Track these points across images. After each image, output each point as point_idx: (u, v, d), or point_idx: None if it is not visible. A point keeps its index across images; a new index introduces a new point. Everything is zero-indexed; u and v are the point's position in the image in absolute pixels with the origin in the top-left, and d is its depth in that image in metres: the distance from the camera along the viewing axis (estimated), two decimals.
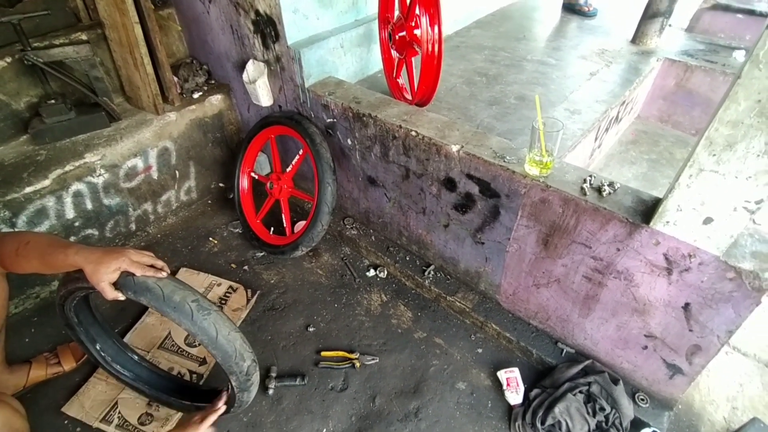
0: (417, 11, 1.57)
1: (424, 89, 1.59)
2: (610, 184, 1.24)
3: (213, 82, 2.30)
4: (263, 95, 1.96)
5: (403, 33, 1.63)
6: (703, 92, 2.20)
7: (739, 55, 2.19)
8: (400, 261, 1.91)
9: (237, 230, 2.21)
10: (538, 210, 1.33)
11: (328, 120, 1.81)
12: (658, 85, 2.26)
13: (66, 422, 1.48)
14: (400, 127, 1.54)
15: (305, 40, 1.77)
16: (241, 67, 1.99)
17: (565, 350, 1.56)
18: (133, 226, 2.13)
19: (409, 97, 1.82)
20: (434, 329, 1.75)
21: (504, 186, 1.37)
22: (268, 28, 1.75)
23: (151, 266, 1.10)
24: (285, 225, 2.00)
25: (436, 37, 1.47)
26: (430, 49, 1.48)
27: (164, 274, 1.11)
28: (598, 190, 1.24)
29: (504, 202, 1.41)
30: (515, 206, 1.38)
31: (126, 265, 1.05)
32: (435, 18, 1.45)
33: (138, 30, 1.83)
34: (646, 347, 1.34)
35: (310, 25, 1.78)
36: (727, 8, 2.32)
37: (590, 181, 1.26)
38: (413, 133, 1.52)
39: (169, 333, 1.72)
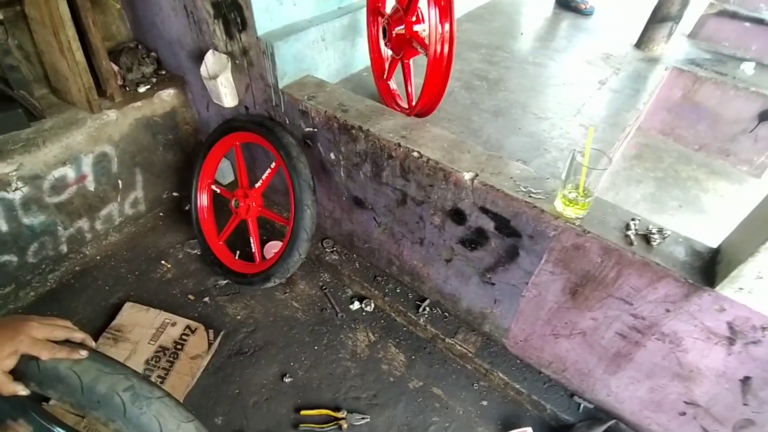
0: (420, 3, 1.29)
1: (427, 98, 1.32)
2: (659, 231, 1.03)
3: (164, 73, 1.93)
4: (226, 94, 1.62)
5: (402, 29, 1.35)
6: (711, 106, 2.05)
7: (748, 68, 2.05)
8: (389, 293, 1.65)
9: (195, 251, 1.88)
10: (569, 256, 1.11)
11: (307, 129, 1.51)
12: (663, 96, 2.09)
13: None
14: (399, 145, 1.27)
15: (279, 30, 1.45)
16: (199, 57, 1.64)
17: (582, 405, 1.36)
18: (64, 248, 1.75)
19: (403, 104, 1.53)
20: (431, 376, 1.51)
21: (528, 225, 1.14)
22: (233, 13, 1.41)
23: (66, 341, 0.79)
24: (254, 249, 1.69)
25: (447, 35, 1.20)
26: (438, 50, 1.21)
27: (84, 352, 0.79)
28: (646, 238, 1.02)
29: (525, 243, 1.18)
30: (540, 249, 1.15)
31: (26, 346, 0.74)
32: (447, 12, 1.17)
33: (63, 6, 1.44)
34: (684, 413, 1.16)
35: (286, 13, 1.46)
36: (734, 15, 2.18)
37: (635, 226, 1.04)
38: (415, 154, 1.25)
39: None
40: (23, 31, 1.62)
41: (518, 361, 1.47)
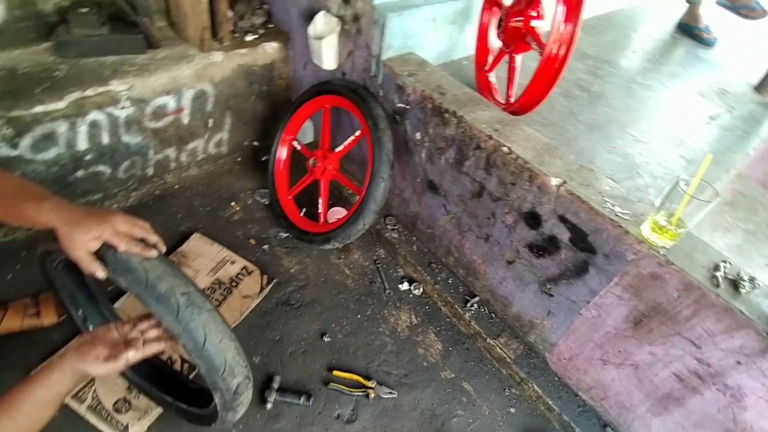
0: None
1: (528, 97, 1.30)
2: (751, 280, 0.97)
3: (271, 26, 2.00)
4: (328, 56, 1.67)
5: (519, 21, 1.32)
6: None
7: None
8: (441, 282, 1.66)
9: (263, 201, 1.96)
10: (643, 284, 1.06)
11: (399, 105, 1.52)
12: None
13: None
14: (490, 137, 1.26)
15: (395, 2, 1.47)
16: (309, 16, 1.69)
17: None
18: (150, 171, 1.89)
19: (500, 99, 1.52)
20: (464, 371, 1.51)
21: (606, 244, 1.10)
22: None
23: (142, 240, 0.87)
24: (320, 210, 1.75)
25: (569, 36, 1.16)
26: (554, 50, 1.18)
27: (155, 252, 0.87)
28: (734, 283, 0.97)
29: (598, 261, 1.14)
30: (612, 270, 1.12)
31: (109, 234, 0.82)
32: (575, 12, 1.14)
33: None
34: None
35: None
36: None
37: (725, 269, 0.99)
38: (504, 149, 1.23)
39: None
40: None
41: (556, 379, 1.44)
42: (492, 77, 1.58)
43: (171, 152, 1.90)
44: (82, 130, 1.59)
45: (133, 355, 0.91)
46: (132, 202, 1.88)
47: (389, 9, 1.42)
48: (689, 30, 2.44)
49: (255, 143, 2.19)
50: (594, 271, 1.16)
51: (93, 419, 1.25)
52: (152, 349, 0.94)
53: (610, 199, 1.12)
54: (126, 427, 1.25)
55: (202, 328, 0.88)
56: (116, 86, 1.59)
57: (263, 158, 2.15)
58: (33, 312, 1.40)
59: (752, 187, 2.09)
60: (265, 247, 1.78)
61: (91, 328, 1.28)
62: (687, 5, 2.48)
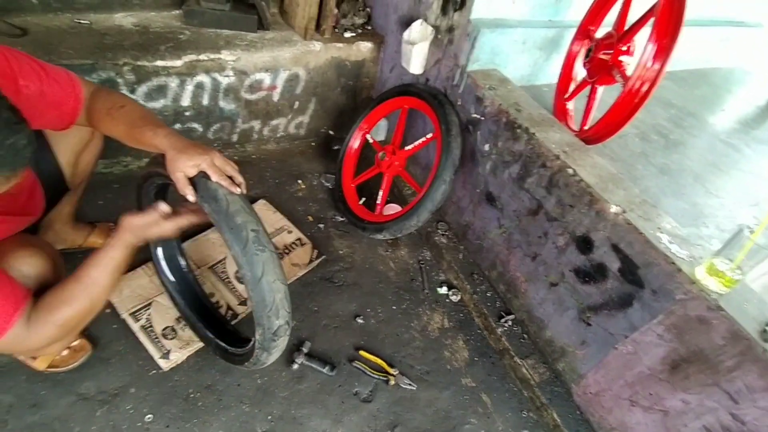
0: (637, 35, 1.29)
1: (604, 126, 1.32)
2: None
3: (369, 28, 2.15)
4: (416, 61, 1.78)
5: (608, 54, 1.36)
6: None
7: None
8: (479, 293, 1.68)
9: (327, 184, 2.09)
10: (687, 326, 1.05)
11: (474, 115, 1.59)
12: None
13: None
14: (557, 157, 1.29)
15: (489, 20, 1.55)
16: (407, 23, 1.81)
17: None
18: (235, 137, 2.07)
19: (574, 126, 1.54)
20: (486, 383, 1.52)
21: (656, 279, 1.10)
22: None
23: (230, 178, 1.00)
24: (379, 202, 1.84)
25: (654, 74, 1.19)
26: (637, 86, 1.21)
27: (238, 190, 1.00)
28: None
29: (645, 295, 1.13)
30: (657, 308, 1.11)
31: (206, 165, 0.96)
32: (665, 52, 1.17)
33: None
34: None
35: (502, 6, 1.56)
36: None
37: None
38: (569, 171, 1.26)
39: (225, 259, 1.64)
40: None
41: (578, 412, 1.41)
42: (569, 105, 1.61)
43: (256, 124, 2.08)
44: (189, 88, 1.79)
45: (179, 221, 1.04)
46: None
47: (483, 25, 1.51)
48: None
49: (330, 132, 2.34)
50: (638, 306, 1.16)
51: (142, 338, 1.39)
52: (193, 219, 1.06)
53: (668, 236, 1.12)
54: (168, 352, 1.37)
55: (262, 263, 0.98)
56: (226, 56, 1.78)
57: (335, 147, 2.29)
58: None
59: None
60: (321, 225, 1.89)
61: (159, 255, 1.43)
62: None
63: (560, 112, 1.60)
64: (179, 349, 1.39)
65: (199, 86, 1.80)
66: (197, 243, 1.67)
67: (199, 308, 1.44)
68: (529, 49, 1.66)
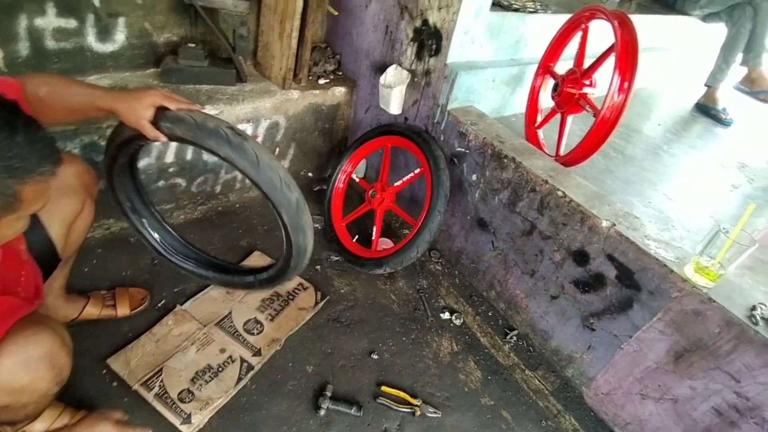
0: (598, 71, 1.48)
1: (581, 152, 1.49)
2: None
3: (340, 73, 2.26)
4: (395, 103, 1.89)
5: (574, 88, 1.54)
6: None
7: None
8: (481, 314, 1.77)
9: (316, 225, 2.12)
10: (685, 320, 1.19)
11: (459, 148, 1.72)
12: None
13: (104, 372, 1.38)
14: (546, 182, 1.43)
15: (463, 63, 1.70)
16: (380, 68, 1.94)
17: None
18: (218, 188, 2.07)
19: (548, 152, 1.71)
20: (503, 400, 1.59)
21: (651, 282, 1.24)
22: (431, 40, 1.69)
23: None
24: (374, 237, 1.90)
25: (621, 103, 1.37)
26: (608, 115, 1.38)
27: (197, 106, 1.07)
28: None
29: (643, 297, 1.27)
30: (656, 307, 1.25)
31: (160, 98, 1.01)
32: (627, 83, 1.35)
33: (299, 3, 1.79)
34: None
35: (473, 51, 1.72)
36: None
37: (761, 309, 1.12)
38: (559, 193, 1.40)
39: (230, 313, 1.62)
40: (252, 11, 2.02)
41: (591, 414, 1.52)
42: (540, 133, 1.78)
43: (238, 173, 2.09)
44: (173, 145, 1.78)
45: None
46: (197, 215, 2.04)
47: (459, 67, 1.65)
48: (707, 110, 2.69)
49: (310, 174, 2.39)
50: (638, 307, 1.29)
51: (159, 406, 1.34)
52: None
53: (654, 242, 1.27)
54: (189, 416, 1.33)
55: (252, 149, 1.03)
56: (209, 110, 1.80)
57: (316, 188, 2.34)
58: (110, 303, 1.53)
59: None
60: (318, 267, 1.92)
61: (136, 219, 1.46)
62: (705, 88, 2.75)
63: (533, 140, 1.77)
64: (200, 411, 1.35)
65: None
66: (199, 302, 1.64)
67: (211, 264, 1.53)
68: (498, 85, 1.83)
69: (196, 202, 2.04)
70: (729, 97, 2.70)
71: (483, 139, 1.60)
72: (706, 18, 2.80)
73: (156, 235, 1.49)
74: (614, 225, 1.30)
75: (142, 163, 1.74)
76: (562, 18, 1.71)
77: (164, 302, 1.63)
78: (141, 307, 1.57)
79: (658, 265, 1.22)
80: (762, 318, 1.10)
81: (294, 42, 1.89)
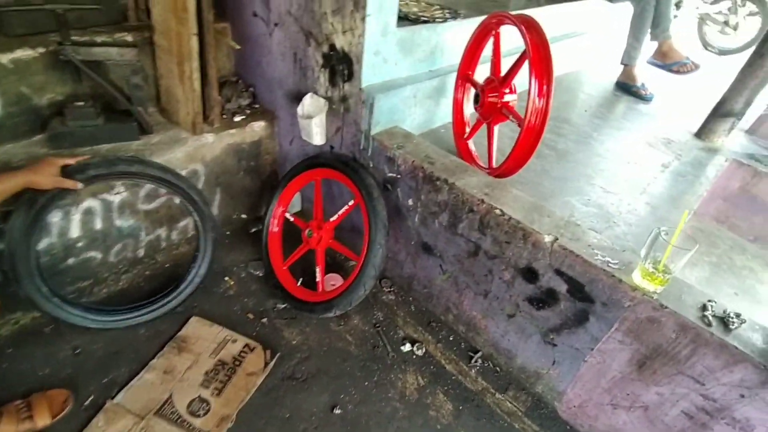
0: (516, 77, 1.43)
1: (513, 162, 1.43)
2: (737, 316, 1.07)
3: (257, 106, 2.11)
4: (317, 133, 1.77)
5: (495, 97, 1.48)
6: None
7: None
8: (442, 340, 1.69)
9: (257, 272, 1.97)
10: (642, 328, 1.15)
11: (390, 174, 1.63)
12: (720, 185, 2.16)
13: None
14: (482, 201, 1.37)
15: (379, 84, 1.61)
16: (296, 97, 1.81)
17: None
18: (141, 252, 1.87)
19: (482, 164, 1.65)
20: (479, 429, 1.52)
21: (602, 293, 1.20)
22: (342, 65, 1.58)
23: None
24: (318, 279, 1.78)
25: (544, 107, 1.32)
26: (533, 121, 1.33)
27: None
28: (723, 321, 1.07)
29: (597, 309, 1.23)
30: (611, 317, 1.20)
31: (57, 160, 1.35)
32: (545, 87, 1.30)
33: (194, 42, 1.64)
34: None
35: (387, 70, 1.63)
36: None
37: (712, 308, 1.09)
38: (497, 212, 1.34)
39: (171, 396, 1.46)
40: (147, 54, 1.84)
41: (568, 427, 1.47)
42: (471, 144, 1.72)
43: (162, 232, 1.91)
44: (76, 218, 1.58)
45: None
46: (122, 285, 1.85)
47: (376, 90, 1.56)
48: (627, 88, 2.74)
49: (243, 215, 2.23)
50: (594, 319, 1.25)
51: None
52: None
53: (599, 250, 1.23)
54: None
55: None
56: None
57: (252, 230, 2.19)
58: (26, 415, 1.33)
59: (707, 223, 2.30)
60: (264, 320, 1.78)
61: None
62: (622, 67, 2.81)
63: (465, 152, 1.70)
64: None
65: (88, 212, 1.61)
66: (133, 390, 1.46)
67: None
68: (420, 100, 1.76)
69: (119, 272, 1.84)
70: (646, 73, 2.77)
71: (412, 163, 1.51)
72: None
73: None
74: (557, 239, 1.25)
75: (42, 245, 1.53)
76: (473, 23, 1.65)
77: (92, 399, 1.44)
78: (64, 412, 1.37)
79: (606, 276, 1.17)
80: (714, 317, 1.07)
81: (196, 84, 1.73)
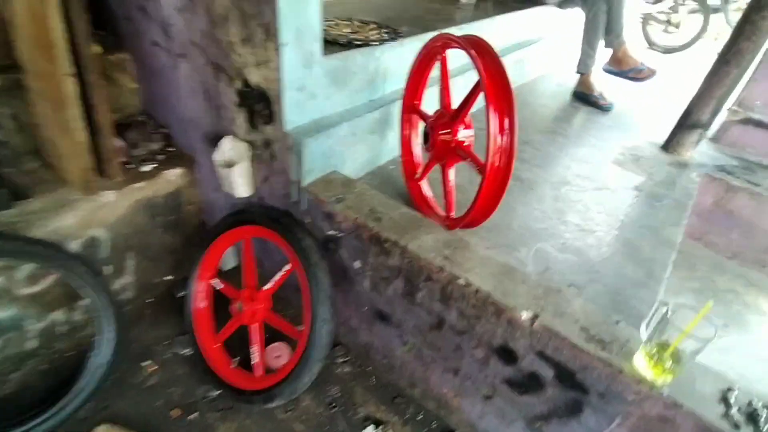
0: (471, 110, 1.18)
1: (476, 214, 1.17)
2: (766, 408, 0.86)
3: (172, 149, 1.78)
4: (240, 184, 1.47)
5: (447, 135, 1.23)
6: (746, 215, 1.97)
7: None
8: (410, 420, 1.42)
9: (186, 351, 1.64)
10: (651, 427, 0.92)
11: (330, 232, 1.34)
12: (693, 201, 2.02)
13: None
14: (442, 269, 1.11)
15: (309, 125, 1.33)
16: (214, 140, 1.50)
17: None
18: (34, 343, 1.50)
19: (440, 211, 1.39)
20: None
21: (599, 382, 0.96)
22: (260, 104, 1.29)
23: None
24: (256, 360, 1.47)
25: (509, 144, 1.08)
26: (497, 162, 1.08)
27: None
28: (752, 418, 0.85)
29: (593, 400, 0.99)
30: (611, 411, 0.97)
31: None
32: (507, 121, 1.06)
33: (70, 85, 1.30)
34: None
35: (317, 107, 1.35)
36: (759, 124, 2.17)
37: (734, 398, 0.87)
38: (461, 282, 1.08)
39: None
40: (18, 99, 1.48)
41: None
42: (425, 186, 1.46)
43: (59, 315, 1.54)
44: None
45: None
46: (9, 388, 1.47)
47: (305, 133, 1.28)
48: (585, 98, 2.59)
49: (168, 277, 1.89)
50: (590, 411, 1.01)
51: None
52: None
53: (590, 326, 0.99)
54: None
55: None
56: None
57: (180, 293, 1.84)
58: None
59: (685, 241, 2.15)
60: (194, 416, 1.45)
61: None
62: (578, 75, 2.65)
63: (417, 197, 1.44)
64: None
65: None
66: None
67: None
68: (361, 137, 1.49)
69: (5, 372, 1.46)
70: (602, 81, 2.62)
71: (355, 220, 1.24)
72: (561, 4, 2.71)
73: None
74: (537, 317, 1.00)
75: None
76: (417, 43, 1.40)
77: None
78: None
79: (602, 364, 0.93)
80: (740, 411, 0.85)
81: (80, 134, 1.39)
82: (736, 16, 4.63)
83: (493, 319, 1.06)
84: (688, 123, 2.01)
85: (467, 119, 1.23)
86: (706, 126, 2.00)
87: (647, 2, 4.73)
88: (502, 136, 1.09)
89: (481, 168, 1.11)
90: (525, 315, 1.01)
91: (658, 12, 4.75)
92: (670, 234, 1.52)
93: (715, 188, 1.98)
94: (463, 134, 1.23)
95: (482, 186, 1.10)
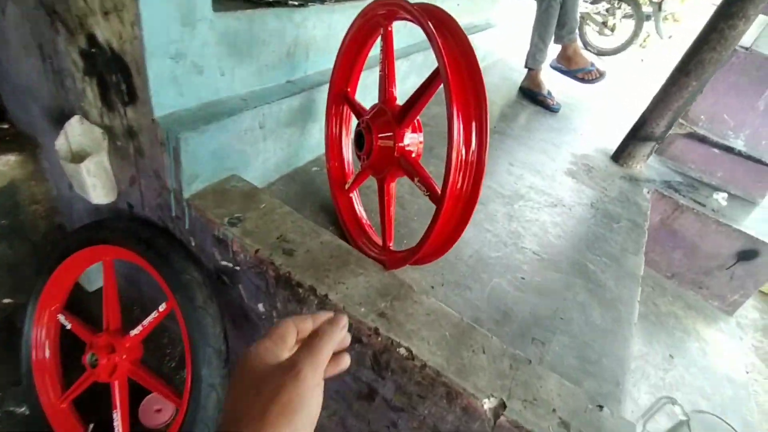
0: (423, 109, 0.86)
1: (431, 249, 0.86)
2: None
3: (6, 127, 1.28)
4: (95, 186, 1.04)
5: (388, 140, 0.90)
6: (690, 236, 1.88)
7: (721, 199, 1.93)
8: None
9: (22, 409, 1.19)
10: None
11: (223, 263, 0.97)
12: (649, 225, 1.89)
13: None
14: (376, 332, 0.79)
15: (193, 111, 0.93)
16: (60, 118, 1.05)
17: None
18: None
19: (375, 237, 1.06)
20: None
21: None
22: (117, 75, 0.87)
23: None
24: (119, 431, 1.06)
25: (476, 156, 0.77)
26: (460, 183, 0.77)
27: None
28: None
29: None
30: None
31: None
32: (476, 126, 0.76)
33: None
34: None
35: (206, 86, 0.95)
36: (703, 139, 2.09)
37: None
38: (402, 352, 0.78)
39: None
40: None
41: None
42: (356, 197, 1.13)
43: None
44: None
45: None
46: None
47: (184, 124, 0.88)
48: (533, 96, 2.39)
49: (6, 300, 1.39)
50: None
51: None
52: None
53: (570, 419, 0.73)
54: None
55: None
56: None
57: (20, 324, 1.36)
58: None
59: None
60: None
61: None
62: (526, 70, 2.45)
63: (346, 213, 1.10)
64: None
65: None
66: None
67: None
68: (273, 131, 1.11)
69: None
70: (552, 79, 2.44)
71: (256, 253, 0.88)
72: None
73: None
74: (504, 406, 0.72)
75: None
76: (352, 12, 1.04)
77: None
78: None
79: None
80: None
81: None
82: (666, 26, 4.78)
83: (443, 402, 0.77)
84: (640, 135, 1.86)
85: (417, 121, 0.91)
86: (659, 139, 1.87)
87: (585, 1, 4.70)
88: (468, 148, 0.78)
89: (435, 196, 0.80)
90: (488, 404, 0.73)
91: (595, 13, 4.76)
92: (633, 265, 1.34)
93: (663, 206, 1.87)
94: (410, 139, 0.90)
95: (438, 216, 0.79)
